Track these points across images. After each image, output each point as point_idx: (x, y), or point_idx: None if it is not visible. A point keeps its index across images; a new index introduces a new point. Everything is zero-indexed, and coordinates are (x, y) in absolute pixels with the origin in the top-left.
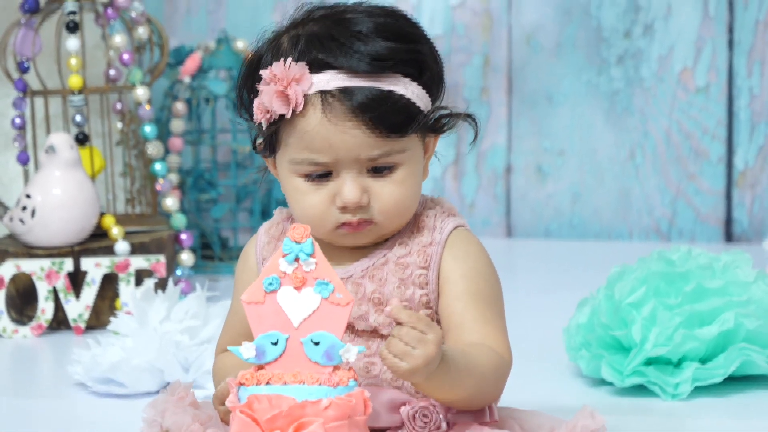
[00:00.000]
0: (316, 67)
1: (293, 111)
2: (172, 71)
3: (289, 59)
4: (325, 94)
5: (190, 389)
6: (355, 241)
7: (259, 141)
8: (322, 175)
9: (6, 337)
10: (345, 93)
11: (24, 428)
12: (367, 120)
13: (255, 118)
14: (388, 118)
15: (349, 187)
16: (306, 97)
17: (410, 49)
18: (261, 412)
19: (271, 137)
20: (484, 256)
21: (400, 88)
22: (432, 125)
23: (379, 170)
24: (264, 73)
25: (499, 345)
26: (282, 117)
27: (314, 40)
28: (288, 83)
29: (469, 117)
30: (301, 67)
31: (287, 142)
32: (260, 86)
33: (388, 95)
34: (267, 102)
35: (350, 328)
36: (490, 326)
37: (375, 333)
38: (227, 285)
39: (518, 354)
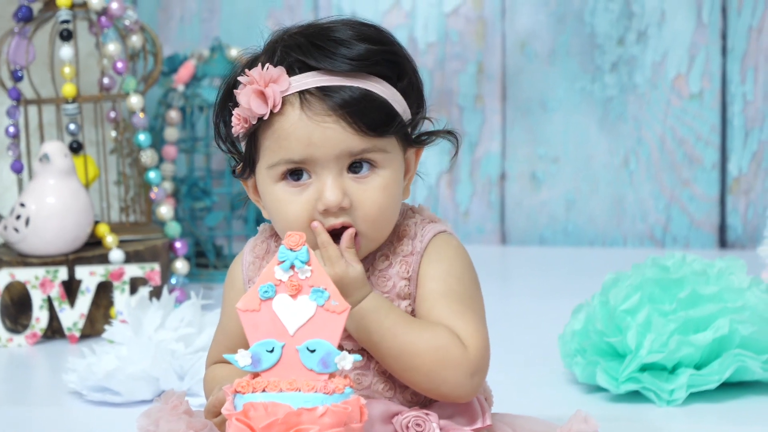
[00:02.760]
0: (295, 69)
1: (271, 112)
2: (165, 79)
3: (267, 65)
4: (303, 93)
5: (184, 397)
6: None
7: (238, 166)
8: (299, 174)
9: (0, 345)
10: (324, 91)
11: None
12: (347, 116)
13: (233, 130)
14: (368, 115)
15: (330, 188)
16: (284, 98)
17: (389, 51)
18: (257, 420)
19: (249, 149)
20: (460, 257)
21: (378, 90)
22: (412, 137)
23: (358, 171)
24: (242, 78)
25: (466, 337)
26: (260, 121)
27: (293, 46)
28: (266, 83)
29: (449, 134)
30: (279, 70)
31: (264, 147)
32: (237, 91)
33: (368, 94)
34: (245, 102)
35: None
36: (458, 319)
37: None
38: (222, 293)
39: (513, 361)
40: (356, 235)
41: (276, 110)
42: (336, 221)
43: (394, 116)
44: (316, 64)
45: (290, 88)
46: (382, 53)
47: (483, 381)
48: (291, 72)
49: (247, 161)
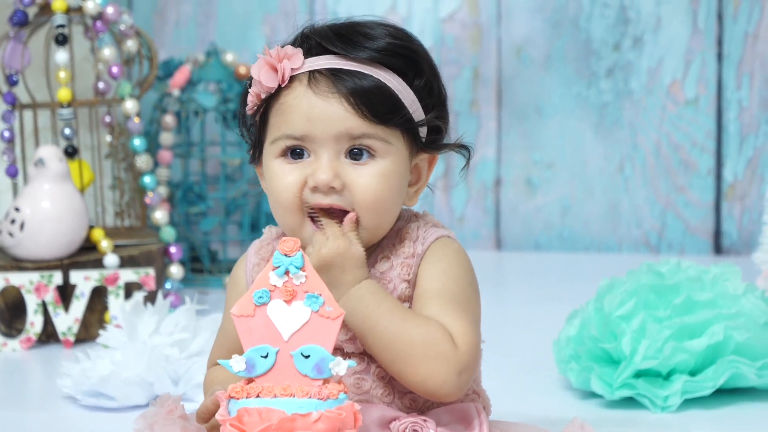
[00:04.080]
0: (312, 52)
1: (280, 87)
2: (161, 84)
3: (288, 45)
4: (314, 72)
5: (180, 402)
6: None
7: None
8: (300, 154)
9: None
10: (333, 72)
11: None
12: (350, 97)
13: (247, 109)
14: (373, 101)
15: (323, 167)
16: (295, 75)
17: (408, 47)
18: (251, 425)
19: (259, 130)
20: (459, 259)
21: (389, 81)
22: (421, 140)
23: (357, 156)
24: (259, 54)
25: (456, 335)
26: (270, 97)
27: (316, 32)
28: (280, 59)
29: (462, 147)
30: (296, 49)
31: (271, 124)
32: (253, 66)
33: (378, 82)
34: (256, 74)
35: (339, 352)
36: (449, 318)
37: (365, 353)
38: (216, 298)
39: (508, 366)
40: (346, 212)
41: (284, 84)
42: (324, 200)
43: (399, 108)
44: (333, 47)
45: (303, 67)
46: (400, 47)
47: (469, 381)
48: (308, 54)
49: (256, 144)
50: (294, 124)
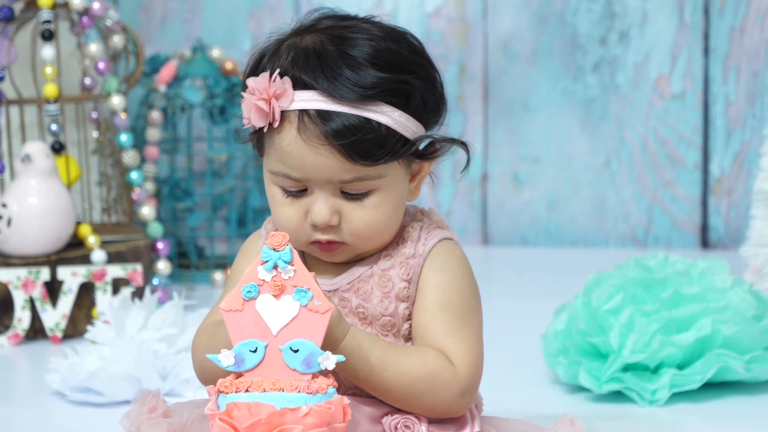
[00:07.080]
0: (300, 84)
1: (270, 125)
2: (147, 80)
3: (276, 72)
4: (303, 113)
5: (159, 396)
6: (330, 258)
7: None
8: (299, 190)
9: None
10: (322, 116)
11: None
12: (340, 146)
13: (243, 120)
14: (362, 146)
15: (319, 206)
16: (285, 113)
17: (399, 80)
18: (240, 420)
19: (257, 141)
20: (462, 268)
21: (381, 117)
22: (420, 152)
23: (353, 192)
24: (249, 82)
25: (458, 357)
26: (261, 128)
27: (303, 57)
28: (268, 98)
29: (463, 145)
30: (284, 83)
31: (267, 152)
32: (244, 94)
33: (366, 123)
34: (246, 113)
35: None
36: (453, 338)
37: None
38: (204, 294)
39: (496, 361)
40: (341, 244)
41: (275, 125)
42: (323, 237)
43: (392, 145)
44: (317, 85)
45: (292, 104)
46: (390, 82)
47: (474, 397)
48: (296, 84)
49: (257, 145)
50: (291, 169)
